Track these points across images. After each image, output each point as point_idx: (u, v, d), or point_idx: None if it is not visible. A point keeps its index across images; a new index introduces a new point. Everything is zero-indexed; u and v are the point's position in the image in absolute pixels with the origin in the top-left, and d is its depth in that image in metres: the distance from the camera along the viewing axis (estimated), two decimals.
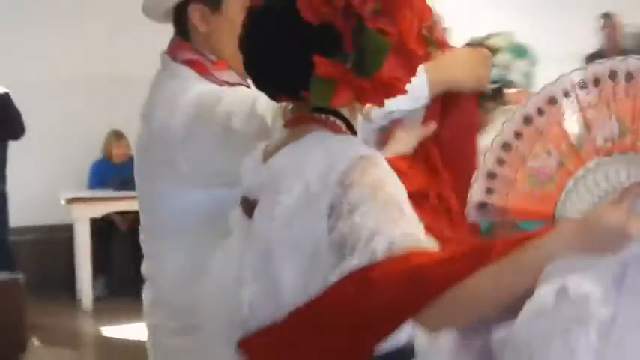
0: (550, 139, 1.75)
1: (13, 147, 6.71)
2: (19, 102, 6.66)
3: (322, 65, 1.57)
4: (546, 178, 1.74)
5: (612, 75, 1.64)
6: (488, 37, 3.15)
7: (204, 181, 2.34)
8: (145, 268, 2.49)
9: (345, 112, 1.71)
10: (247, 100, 2.19)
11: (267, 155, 1.77)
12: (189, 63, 2.41)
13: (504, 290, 1.47)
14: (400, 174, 1.76)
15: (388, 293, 1.47)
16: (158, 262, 2.44)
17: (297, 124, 1.75)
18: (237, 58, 2.06)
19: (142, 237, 2.51)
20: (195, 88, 2.33)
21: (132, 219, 7.50)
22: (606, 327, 1.35)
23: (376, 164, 1.62)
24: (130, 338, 6.48)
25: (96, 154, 8.00)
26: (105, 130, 7.96)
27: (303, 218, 1.60)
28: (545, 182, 1.75)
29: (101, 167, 7.98)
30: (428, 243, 1.51)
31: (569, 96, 1.70)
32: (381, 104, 1.71)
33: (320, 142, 1.66)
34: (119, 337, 6.71)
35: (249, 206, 1.73)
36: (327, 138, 1.67)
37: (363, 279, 1.47)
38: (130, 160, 7.37)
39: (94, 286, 7.36)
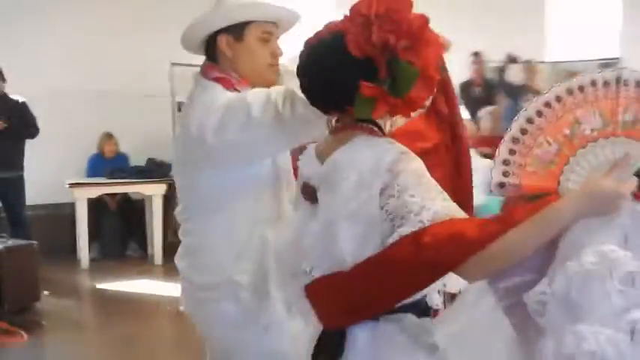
0: (549, 132, 1.86)
1: (30, 143, 6.92)
2: (34, 109, 6.86)
3: (366, 88, 1.73)
4: (548, 161, 1.85)
5: (593, 83, 1.79)
6: None
7: (232, 162, 2.47)
8: (186, 240, 2.64)
9: (379, 120, 1.89)
10: (263, 93, 2.35)
11: (321, 153, 1.94)
12: (218, 80, 2.51)
13: (530, 244, 1.66)
14: (419, 133, 2.02)
15: (435, 251, 1.65)
16: (199, 235, 2.59)
17: (342, 131, 1.91)
18: (254, 76, 2.53)
19: (183, 217, 2.65)
20: (224, 95, 2.43)
21: (119, 199, 8.07)
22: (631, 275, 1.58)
23: (413, 157, 1.79)
24: (118, 289, 6.87)
25: (92, 150, 8.20)
26: (99, 132, 8.16)
27: (358, 198, 1.76)
28: (548, 164, 1.85)
29: (96, 160, 8.19)
30: (460, 213, 1.71)
31: (560, 100, 1.84)
32: (408, 116, 1.95)
33: (366, 143, 1.81)
34: (109, 289, 6.91)
35: (308, 190, 1.92)
36: (370, 140, 1.82)
37: (415, 240, 1.64)
38: (118, 155, 8.09)
39: (90, 250, 7.64)
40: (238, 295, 2.49)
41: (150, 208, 7.92)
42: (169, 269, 7.16)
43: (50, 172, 7.50)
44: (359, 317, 1.80)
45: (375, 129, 1.82)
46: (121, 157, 8.17)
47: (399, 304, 1.79)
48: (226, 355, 2.64)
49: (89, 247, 7.60)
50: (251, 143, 2.40)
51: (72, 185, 7.58)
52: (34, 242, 6.12)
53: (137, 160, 8.28)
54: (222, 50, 2.51)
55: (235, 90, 2.46)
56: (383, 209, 1.69)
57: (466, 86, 9.19)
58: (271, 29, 2.56)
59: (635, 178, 1.66)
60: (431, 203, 1.65)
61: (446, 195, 1.72)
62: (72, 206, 7.61)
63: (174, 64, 7.85)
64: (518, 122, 1.85)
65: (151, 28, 8.39)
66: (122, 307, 6.34)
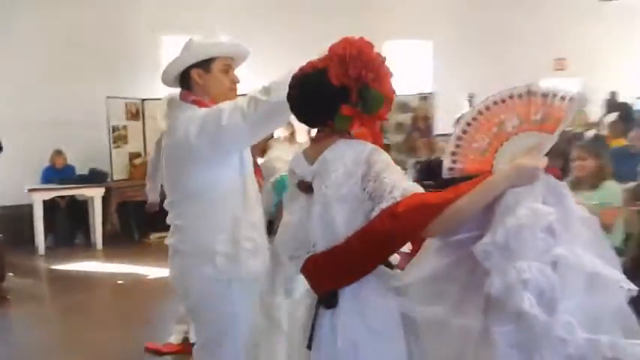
0: (482, 131, 1.87)
1: None
2: None
3: (345, 109, 1.81)
4: (483, 150, 1.87)
5: (511, 96, 1.81)
6: None
7: (211, 156, 2.43)
8: (176, 222, 2.57)
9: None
10: (232, 101, 2.39)
11: (308, 157, 1.94)
12: (195, 102, 2.51)
13: (474, 207, 1.68)
14: (365, 138, 1.93)
15: (407, 218, 1.68)
16: (186, 217, 2.53)
17: (324, 139, 1.92)
18: (220, 98, 2.47)
19: (172, 206, 2.58)
20: (201, 111, 2.42)
21: (67, 200, 8.02)
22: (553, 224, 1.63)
23: (382, 151, 1.85)
24: (68, 269, 6.86)
25: (45, 163, 8.10)
26: (51, 149, 8.07)
27: (346, 185, 1.81)
28: (483, 153, 1.87)
29: (49, 171, 8.08)
30: (420, 189, 1.74)
31: (489, 109, 1.86)
32: (376, 128, 1.96)
33: (346, 144, 1.86)
34: (61, 269, 6.89)
35: (304, 185, 1.93)
36: (349, 142, 1.87)
37: (392, 212, 1.68)
38: (66, 166, 8.06)
39: (45, 240, 7.63)
40: (215, 260, 2.48)
41: (92, 207, 7.90)
42: (108, 253, 7.50)
43: (11, 181, 7.46)
44: (348, 281, 1.81)
45: (348, 135, 1.87)
46: (69, 168, 8.19)
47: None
48: (200, 308, 2.60)
49: (44, 237, 7.55)
50: (224, 140, 2.40)
51: (30, 190, 7.53)
52: (1, 235, 6.05)
53: (81, 169, 8.25)
54: (195, 80, 2.51)
55: (202, 105, 2.47)
56: (365, 191, 1.76)
57: None
58: (230, 62, 2.58)
59: (546, 158, 1.70)
60: (400, 183, 1.71)
61: (407, 177, 1.81)
62: (30, 207, 7.49)
63: (108, 97, 7.99)
64: (460, 126, 1.89)
65: (89, 69, 8.41)
66: (72, 283, 6.37)
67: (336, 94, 1.82)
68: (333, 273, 1.85)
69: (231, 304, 2.53)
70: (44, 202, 7.61)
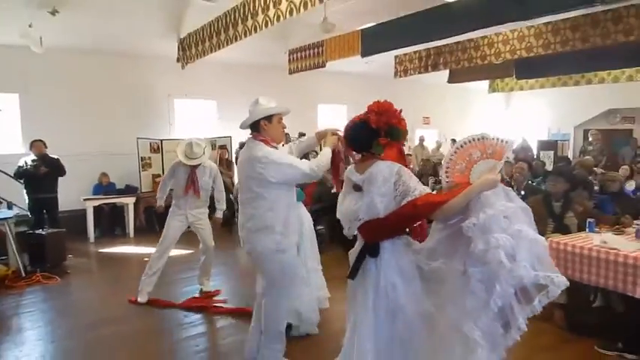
0: (461, 159, 2.03)
1: (61, 179, 6.46)
2: (63, 161, 6.44)
3: (382, 140, 2.01)
4: (463, 170, 2.01)
5: (473, 139, 2.01)
6: None
7: (274, 185, 2.62)
8: (247, 213, 2.68)
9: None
10: (306, 164, 2.62)
11: (358, 170, 2.06)
12: (263, 141, 2.67)
13: (461, 203, 1.84)
14: (394, 158, 2.03)
15: (422, 207, 1.87)
16: (256, 210, 2.64)
17: (367, 160, 2.06)
18: (276, 139, 2.73)
19: (249, 205, 2.66)
20: (267, 148, 2.63)
21: (110, 206, 7.66)
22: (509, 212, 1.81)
23: (404, 167, 1.99)
24: (110, 251, 6.61)
25: (95, 181, 7.87)
26: (99, 172, 7.86)
27: (384, 187, 1.94)
28: (463, 171, 2.01)
29: (97, 186, 7.84)
30: (429, 190, 1.91)
31: (463, 147, 2.02)
32: (401, 150, 2.08)
33: (383, 164, 1.98)
34: (106, 251, 6.61)
35: (357, 186, 2.03)
36: (384, 162, 1.99)
37: (413, 203, 1.86)
38: (109, 183, 7.74)
39: (94, 233, 7.28)
40: (275, 235, 2.65)
41: (127, 210, 7.77)
42: (137, 240, 7.34)
43: (72, 193, 7.22)
44: (384, 238, 2.00)
45: (380, 157, 2.01)
46: (111, 185, 7.98)
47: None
48: (266, 266, 2.74)
49: (94, 230, 7.35)
50: (294, 181, 2.70)
51: (85, 199, 7.39)
52: (64, 229, 5.98)
53: (120, 185, 8.10)
54: (262, 127, 2.70)
55: (271, 146, 2.67)
56: (397, 191, 1.93)
57: None
58: (281, 116, 2.77)
59: (499, 174, 1.90)
60: (418, 186, 1.91)
61: (421, 183, 1.96)
62: (84, 210, 7.33)
63: (139, 137, 7.95)
64: (447, 156, 2.08)
65: (126, 119, 8.33)
66: (113, 261, 6.22)
67: (374, 132, 2.02)
68: (376, 232, 1.99)
69: (287, 264, 2.73)
70: (94, 207, 7.43)
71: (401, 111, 2.07)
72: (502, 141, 2.00)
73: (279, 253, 2.67)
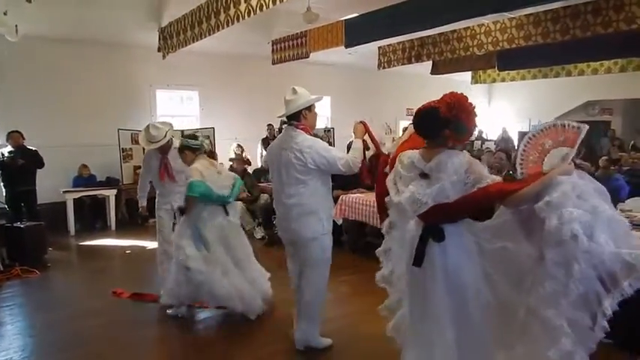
0: (534, 150, 2.02)
1: (39, 171, 6.36)
2: (42, 153, 6.35)
3: (447, 132, 1.99)
4: (535, 161, 2.00)
5: (543, 128, 2.01)
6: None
7: (315, 172, 2.77)
8: (291, 201, 2.80)
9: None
10: (345, 157, 2.77)
11: (424, 158, 2.05)
12: (302, 129, 2.82)
13: (533, 193, 1.83)
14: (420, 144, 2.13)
15: (495, 194, 1.90)
16: (299, 197, 2.78)
17: (432, 148, 2.05)
18: (313, 126, 2.91)
19: (289, 190, 2.79)
20: (311, 138, 2.81)
21: (91, 198, 7.54)
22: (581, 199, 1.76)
23: (473, 158, 2.02)
24: (91, 244, 6.52)
25: (75, 173, 7.69)
26: (79, 164, 7.70)
27: (455, 175, 1.95)
28: (536, 161, 2.00)
29: (77, 178, 7.68)
30: (498, 179, 1.96)
31: (535, 137, 2.03)
32: (463, 145, 2.18)
33: (453, 153, 1.99)
34: (86, 244, 6.55)
35: (425, 174, 2.03)
36: (453, 152, 2.01)
37: (485, 189, 1.89)
38: (90, 175, 7.53)
39: (75, 226, 7.27)
40: (321, 220, 2.84)
41: (108, 202, 7.67)
42: (119, 233, 7.27)
43: (51, 186, 7.10)
44: (448, 221, 2.00)
45: (446, 146, 2.03)
46: (92, 176, 7.84)
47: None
48: (310, 247, 2.87)
49: (74, 223, 7.28)
50: (331, 172, 2.83)
51: (64, 191, 7.26)
52: (43, 222, 5.87)
53: (101, 177, 7.96)
54: (303, 116, 2.84)
55: (309, 133, 2.84)
56: (468, 179, 1.94)
57: None
58: (316, 105, 2.93)
59: (572, 163, 1.90)
60: (488, 176, 1.95)
61: (489, 173, 1.99)
62: (64, 203, 7.22)
63: (120, 129, 7.80)
64: (520, 148, 2.08)
65: (107, 110, 8.16)
66: (94, 254, 6.15)
67: (442, 122, 1.99)
68: (443, 215, 1.98)
69: (327, 245, 2.91)
70: (74, 199, 7.31)
71: (474, 107, 2.03)
72: (574, 127, 1.95)
73: (323, 237, 2.85)
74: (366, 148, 2.87)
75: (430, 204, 1.96)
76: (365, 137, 2.88)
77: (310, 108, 2.86)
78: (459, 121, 1.98)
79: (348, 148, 3.12)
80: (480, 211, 2.05)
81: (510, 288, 1.91)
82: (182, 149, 3.66)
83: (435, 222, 2.02)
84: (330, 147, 2.85)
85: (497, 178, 1.96)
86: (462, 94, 2.02)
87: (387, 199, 2.34)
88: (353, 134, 2.92)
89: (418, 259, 2.02)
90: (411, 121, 2.20)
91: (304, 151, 2.71)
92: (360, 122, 2.90)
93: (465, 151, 2.06)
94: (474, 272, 1.98)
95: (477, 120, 2.07)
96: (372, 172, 2.93)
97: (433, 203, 1.97)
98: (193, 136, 3.68)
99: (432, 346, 1.97)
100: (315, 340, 3.03)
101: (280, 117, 2.90)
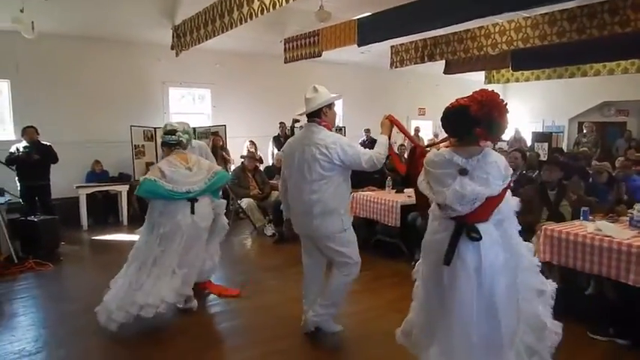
0: None
1: (54, 166, 6.39)
2: (56, 148, 6.38)
3: (478, 131, 1.95)
4: None
5: None
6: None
7: (339, 168, 2.80)
8: (314, 197, 2.78)
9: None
10: (368, 154, 2.77)
11: (462, 153, 1.99)
12: (325, 125, 2.85)
13: None
14: None
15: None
16: (322, 194, 2.77)
17: (465, 145, 2.01)
18: (333, 122, 2.93)
19: (311, 187, 2.77)
20: (335, 134, 2.86)
21: (104, 193, 7.60)
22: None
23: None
24: (103, 239, 6.56)
25: (88, 169, 7.78)
26: (92, 159, 7.81)
27: (498, 175, 1.95)
28: None
29: (90, 174, 7.78)
30: None
31: None
32: (494, 143, 2.51)
33: (492, 151, 2.02)
34: (98, 239, 6.58)
35: (464, 170, 1.97)
36: (489, 149, 2.02)
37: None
38: (103, 171, 7.64)
39: (87, 220, 7.29)
40: (341, 217, 2.86)
41: (120, 197, 7.71)
42: (131, 227, 7.15)
43: (65, 181, 7.14)
44: (482, 219, 1.98)
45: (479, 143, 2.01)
46: (105, 172, 7.92)
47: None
48: (332, 242, 2.89)
49: (87, 218, 7.33)
50: (356, 167, 2.83)
51: (78, 187, 7.32)
52: (56, 216, 5.91)
53: (113, 173, 8.01)
54: (324, 113, 2.87)
55: (330, 129, 2.87)
56: (508, 177, 1.98)
57: None
58: (335, 103, 2.97)
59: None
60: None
61: None
62: (77, 198, 7.26)
63: (132, 125, 7.90)
64: None
65: (121, 107, 8.24)
66: (106, 248, 6.16)
67: (473, 121, 1.95)
68: (484, 212, 1.97)
69: (352, 239, 2.95)
70: (87, 195, 7.37)
71: (506, 104, 1.98)
72: None
73: (343, 232, 2.87)
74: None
75: (478, 203, 1.93)
76: (394, 132, 2.88)
77: (330, 106, 2.89)
78: (492, 120, 1.94)
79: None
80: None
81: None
82: (162, 145, 3.65)
83: (475, 220, 1.98)
84: (356, 144, 2.88)
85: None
86: (492, 91, 1.98)
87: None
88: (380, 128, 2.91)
89: (448, 257, 1.97)
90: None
91: (329, 147, 2.72)
92: (387, 117, 2.86)
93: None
94: (505, 271, 1.98)
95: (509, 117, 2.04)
96: (408, 163, 2.93)
97: (481, 202, 1.94)
98: (171, 132, 3.62)
99: (454, 347, 1.97)
100: (327, 323, 3.09)
101: (301, 115, 2.91)
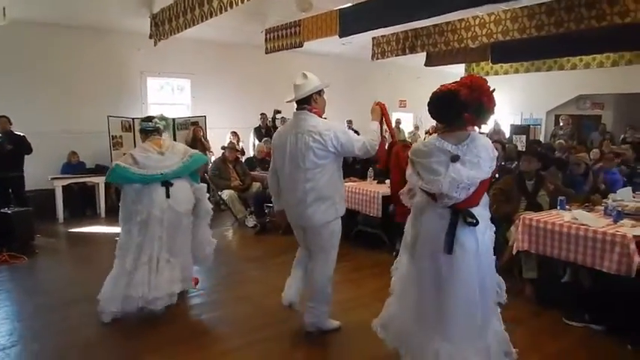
0: None
1: (28, 157, 6.30)
2: (29, 139, 6.27)
3: (467, 116, 1.96)
4: None
5: None
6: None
7: (333, 155, 2.75)
8: (309, 185, 2.72)
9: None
10: (362, 140, 2.74)
11: (451, 140, 2.00)
12: (315, 112, 2.79)
13: None
14: None
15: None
16: (317, 182, 2.73)
17: (453, 131, 2.01)
18: (323, 110, 2.85)
19: (306, 175, 2.71)
20: (327, 122, 2.80)
21: (80, 185, 7.46)
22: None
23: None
24: (80, 231, 6.47)
25: (64, 160, 7.65)
26: (68, 150, 7.68)
27: (487, 157, 1.98)
28: None
29: (66, 166, 7.66)
30: None
31: None
32: (480, 128, 2.09)
33: (479, 134, 2.04)
34: (75, 231, 6.47)
35: (455, 157, 1.98)
36: (477, 133, 2.04)
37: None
38: (79, 162, 7.55)
39: (63, 212, 7.14)
40: (335, 205, 2.83)
41: (97, 189, 7.59)
42: (108, 220, 7.11)
43: (40, 172, 6.97)
44: (474, 204, 2.01)
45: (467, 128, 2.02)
46: (81, 164, 7.79)
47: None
48: (322, 231, 2.84)
49: (63, 210, 7.19)
50: (349, 154, 2.82)
51: (53, 178, 7.15)
52: (30, 208, 5.77)
53: (90, 164, 7.88)
54: (314, 99, 2.82)
55: (320, 117, 2.82)
56: (494, 160, 2.00)
57: None
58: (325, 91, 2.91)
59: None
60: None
61: None
62: (53, 190, 7.08)
63: (109, 116, 7.73)
64: None
65: (98, 96, 8.06)
66: (82, 241, 6.10)
67: (462, 106, 1.96)
68: (474, 197, 2.00)
69: (337, 229, 2.88)
70: (63, 186, 7.21)
71: (494, 90, 1.99)
72: None
73: (335, 221, 2.83)
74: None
75: (473, 188, 1.95)
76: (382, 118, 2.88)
77: (320, 92, 2.84)
78: (482, 105, 1.95)
79: None
80: None
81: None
82: (140, 132, 3.63)
83: (469, 205, 2.01)
84: (349, 130, 2.84)
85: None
86: (480, 76, 2.02)
87: (404, 190, 2.32)
88: (370, 115, 2.90)
89: (449, 246, 1.99)
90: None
91: (323, 134, 2.67)
92: (378, 104, 2.86)
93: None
94: (490, 249, 2.09)
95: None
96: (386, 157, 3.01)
97: (475, 187, 1.97)
98: (148, 119, 3.61)
99: (460, 330, 2.04)
100: (324, 322, 3.06)
101: (290, 101, 2.83)
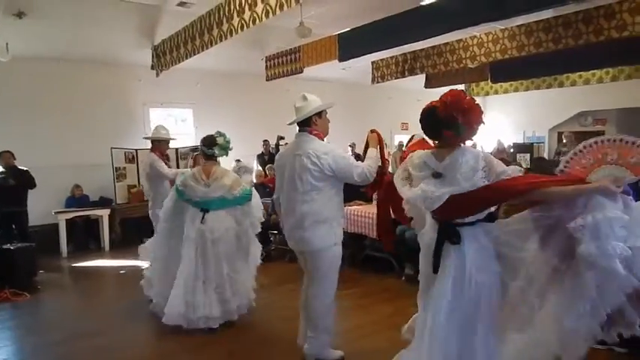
0: (592, 155, 1.91)
1: (31, 192, 6.20)
2: (34, 174, 6.19)
3: (445, 133, 1.94)
4: (585, 166, 1.92)
5: (614, 140, 1.88)
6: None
7: (331, 179, 2.72)
8: (305, 207, 2.69)
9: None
10: (360, 167, 2.72)
11: (437, 157, 2.00)
12: (316, 135, 2.80)
13: (561, 196, 1.79)
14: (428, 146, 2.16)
15: (524, 185, 1.85)
16: (314, 204, 2.70)
17: (442, 147, 2.01)
18: (325, 132, 2.86)
19: (304, 197, 2.69)
20: (327, 144, 2.82)
21: (84, 218, 7.44)
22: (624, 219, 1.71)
23: (487, 153, 2.09)
24: (84, 265, 6.42)
25: (67, 194, 7.61)
26: (72, 184, 7.62)
27: (471, 171, 1.91)
28: (584, 168, 1.92)
29: (70, 199, 7.60)
30: (517, 170, 1.96)
31: (597, 144, 1.92)
32: (463, 144, 2.01)
33: (465, 150, 1.97)
34: (79, 265, 6.41)
35: (437, 174, 1.97)
36: (465, 148, 1.99)
37: (514, 180, 1.87)
38: (83, 195, 7.52)
39: (67, 246, 7.09)
40: (334, 229, 2.77)
41: (102, 222, 7.53)
42: (113, 254, 7.10)
43: (43, 206, 6.94)
44: (468, 214, 1.96)
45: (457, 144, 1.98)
46: (85, 197, 7.76)
47: (484, 215, 1.99)
48: (321, 255, 2.78)
49: (67, 244, 7.14)
50: (347, 180, 2.77)
51: (56, 212, 7.14)
52: (33, 244, 5.68)
53: (94, 197, 7.86)
54: (314, 122, 2.81)
55: (322, 139, 2.82)
56: (485, 174, 1.92)
57: None
58: (327, 111, 2.92)
59: (621, 187, 1.78)
60: (508, 169, 1.94)
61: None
62: (57, 224, 7.05)
63: (113, 147, 7.72)
64: (578, 147, 1.99)
65: (101, 129, 8.07)
66: (87, 275, 6.04)
67: (440, 122, 1.95)
68: (462, 207, 1.94)
69: (337, 255, 2.82)
70: (66, 220, 7.18)
71: (475, 104, 1.95)
72: None
73: (335, 246, 2.77)
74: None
75: (444, 200, 1.92)
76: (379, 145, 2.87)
77: (321, 114, 2.83)
78: (456, 121, 1.91)
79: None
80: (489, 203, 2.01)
81: (520, 291, 1.91)
82: (198, 150, 4.09)
83: (450, 217, 1.97)
84: (349, 155, 2.83)
85: (518, 169, 1.95)
86: (461, 90, 1.97)
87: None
88: (368, 142, 2.91)
89: (436, 264, 1.98)
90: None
91: (321, 157, 2.66)
92: (373, 131, 2.87)
93: (477, 149, 2.03)
94: (491, 277, 1.94)
95: (482, 116, 1.99)
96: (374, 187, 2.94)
97: (441, 201, 1.93)
98: (209, 142, 3.95)
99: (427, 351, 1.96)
100: (325, 352, 2.94)
101: (291, 123, 2.84)
